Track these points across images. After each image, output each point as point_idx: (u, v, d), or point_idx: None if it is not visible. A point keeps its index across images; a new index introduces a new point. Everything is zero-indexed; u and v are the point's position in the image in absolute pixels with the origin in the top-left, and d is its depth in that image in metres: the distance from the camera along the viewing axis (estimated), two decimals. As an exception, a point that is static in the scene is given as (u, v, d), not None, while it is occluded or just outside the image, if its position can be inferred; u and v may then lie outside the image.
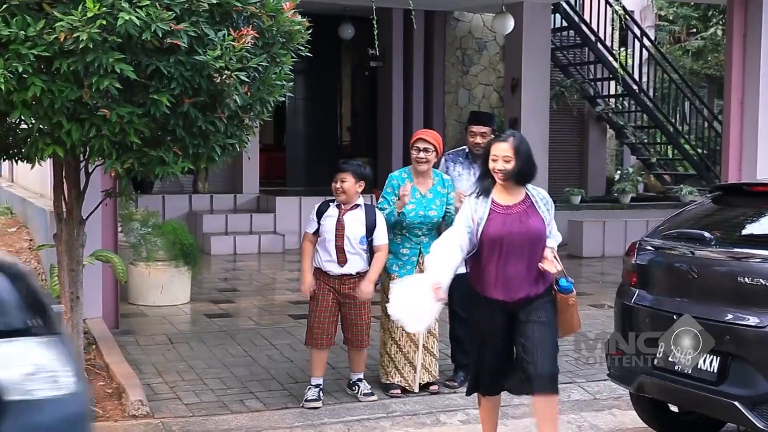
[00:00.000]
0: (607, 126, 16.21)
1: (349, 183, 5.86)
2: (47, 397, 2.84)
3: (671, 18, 20.24)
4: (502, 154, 4.66)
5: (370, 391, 6.05)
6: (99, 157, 5.10)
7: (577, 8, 15.54)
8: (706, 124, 16.13)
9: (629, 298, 5.22)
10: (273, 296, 9.61)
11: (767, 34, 9.28)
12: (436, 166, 6.24)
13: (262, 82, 5.15)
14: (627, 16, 15.86)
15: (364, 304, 5.96)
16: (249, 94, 5.03)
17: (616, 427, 5.79)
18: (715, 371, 4.61)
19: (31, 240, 9.73)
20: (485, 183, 4.77)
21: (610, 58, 15.24)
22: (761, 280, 4.49)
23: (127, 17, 4.42)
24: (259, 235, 12.73)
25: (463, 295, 5.32)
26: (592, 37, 15.28)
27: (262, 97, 5.19)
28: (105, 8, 4.44)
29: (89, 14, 4.42)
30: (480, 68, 15.24)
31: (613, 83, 15.79)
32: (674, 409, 5.44)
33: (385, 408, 5.91)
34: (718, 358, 4.61)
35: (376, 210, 5.97)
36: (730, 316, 4.60)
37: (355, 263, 5.89)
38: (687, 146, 16.02)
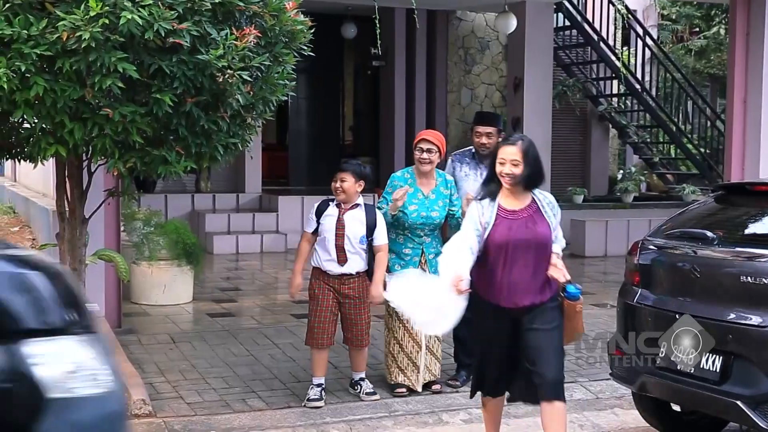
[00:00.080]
0: (610, 125, 16.20)
1: (348, 183, 5.84)
2: (88, 395, 2.85)
3: (674, 17, 20.24)
4: (510, 158, 4.56)
5: (372, 390, 6.04)
6: (102, 156, 5.11)
7: (580, 7, 15.52)
8: (708, 123, 16.10)
9: (632, 297, 5.21)
10: (275, 295, 9.59)
11: (770, 34, 9.30)
12: (440, 166, 6.19)
13: (265, 82, 5.15)
14: (630, 15, 15.79)
15: (364, 304, 5.95)
16: (251, 93, 5.04)
17: (619, 427, 5.78)
18: (718, 371, 4.60)
19: (33, 239, 9.75)
20: (491, 187, 4.67)
21: (613, 58, 15.25)
22: (764, 280, 4.48)
23: (129, 16, 4.43)
24: (262, 235, 12.74)
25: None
26: (595, 37, 15.26)
27: (264, 96, 5.19)
28: (108, 7, 4.44)
29: (92, 13, 4.42)
30: (483, 67, 15.23)
31: (615, 82, 15.78)
32: (677, 408, 5.43)
33: (388, 407, 5.91)
34: (721, 357, 4.60)
35: (377, 210, 5.96)
36: (732, 316, 4.59)
37: (355, 263, 5.87)
38: (690, 145, 16.01)
